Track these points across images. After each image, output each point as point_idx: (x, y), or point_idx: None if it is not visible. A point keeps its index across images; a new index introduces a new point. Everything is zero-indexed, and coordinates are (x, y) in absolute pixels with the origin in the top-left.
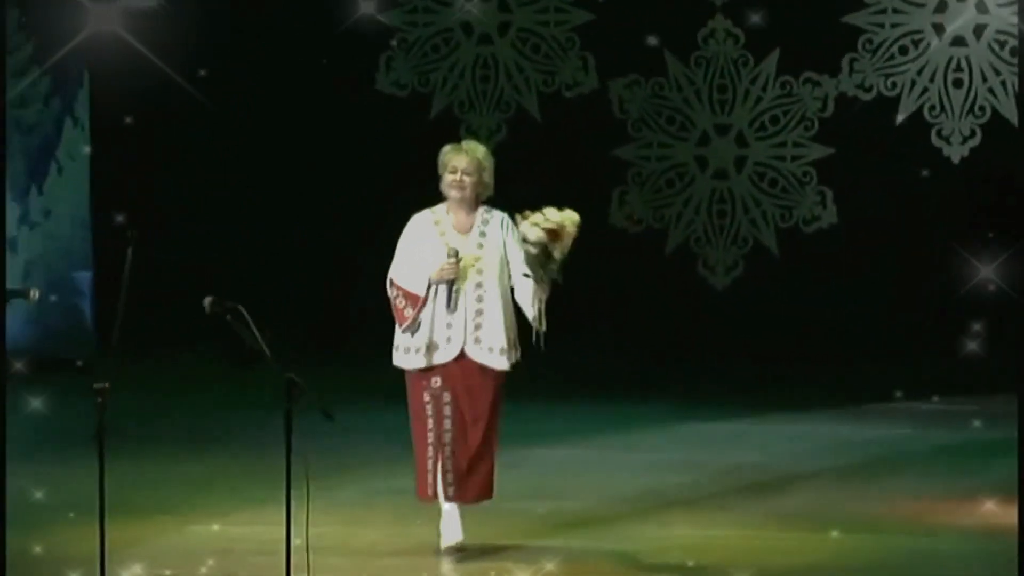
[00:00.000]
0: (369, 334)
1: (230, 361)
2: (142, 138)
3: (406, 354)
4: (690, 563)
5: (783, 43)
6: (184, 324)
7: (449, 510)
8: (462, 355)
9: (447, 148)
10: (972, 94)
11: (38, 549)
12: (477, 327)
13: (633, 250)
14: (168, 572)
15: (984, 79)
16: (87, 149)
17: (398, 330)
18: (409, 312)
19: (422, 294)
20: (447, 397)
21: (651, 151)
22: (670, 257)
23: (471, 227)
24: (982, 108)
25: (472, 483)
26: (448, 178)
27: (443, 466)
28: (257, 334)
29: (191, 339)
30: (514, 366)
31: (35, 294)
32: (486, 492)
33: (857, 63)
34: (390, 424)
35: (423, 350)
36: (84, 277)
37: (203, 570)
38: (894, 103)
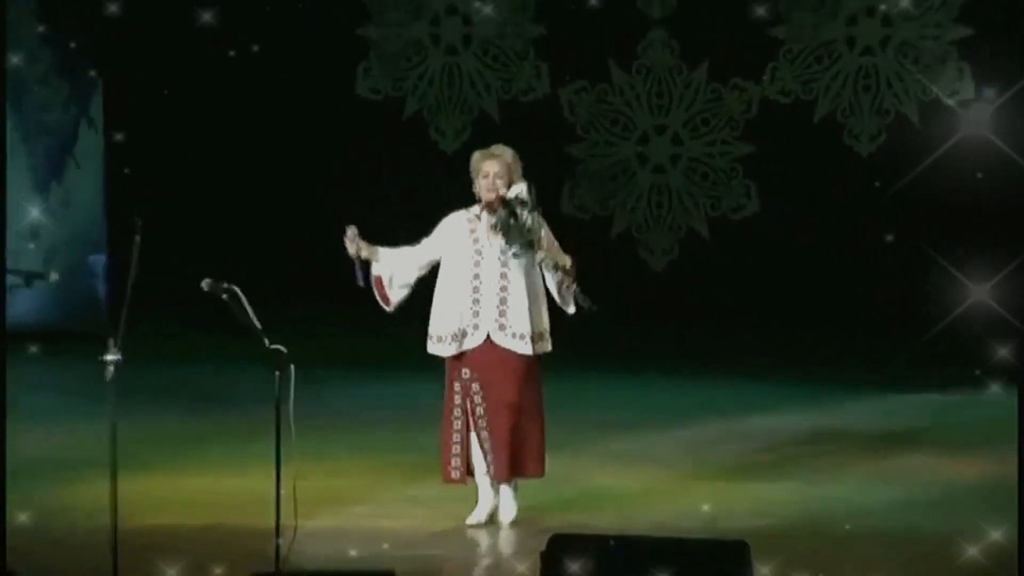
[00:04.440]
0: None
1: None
2: (152, 137)
3: (439, 343)
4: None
5: (713, 53)
6: (188, 302)
7: (483, 488)
8: (489, 341)
9: (477, 155)
10: (879, 98)
11: (55, 502)
12: (502, 314)
13: (582, 235)
14: (169, 521)
15: (890, 85)
16: (102, 148)
17: (432, 320)
18: (377, 292)
19: (381, 275)
20: (476, 387)
21: (597, 149)
22: (614, 242)
23: None
24: (887, 110)
25: (511, 462)
26: (482, 183)
27: (481, 447)
28: (249, 311)
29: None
30: (541, 356)
31: (54, 276)
32: (534, 469)
33: (778, 71)
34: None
35: (447, 339)
36: (99, 261)
37: (199, 520)
38: (811, 106)
